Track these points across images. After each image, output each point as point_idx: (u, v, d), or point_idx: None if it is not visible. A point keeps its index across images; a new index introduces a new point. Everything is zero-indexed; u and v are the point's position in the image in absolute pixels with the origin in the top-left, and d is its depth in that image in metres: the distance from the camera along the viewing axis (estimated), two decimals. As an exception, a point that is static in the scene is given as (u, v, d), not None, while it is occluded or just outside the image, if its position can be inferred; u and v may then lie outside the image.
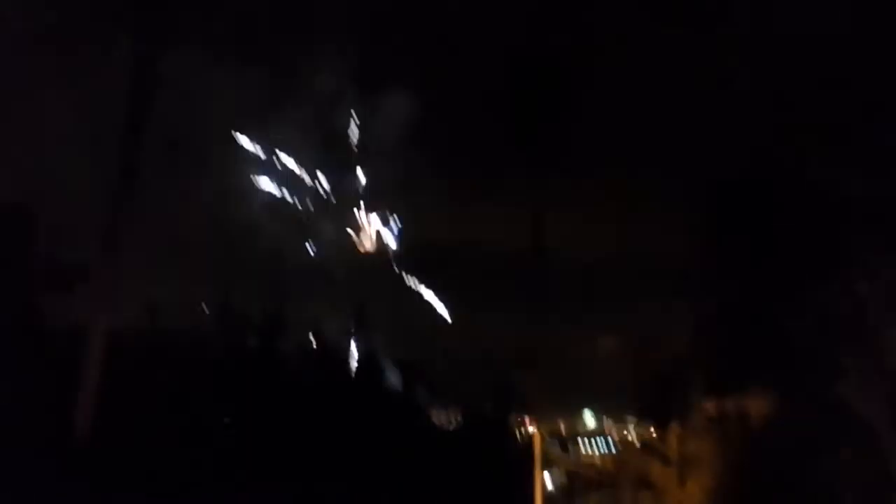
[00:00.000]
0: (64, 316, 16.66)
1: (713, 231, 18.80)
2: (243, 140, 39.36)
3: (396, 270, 41.35)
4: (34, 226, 16.95)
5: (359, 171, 44.96)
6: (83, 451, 11.13)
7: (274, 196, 44.00)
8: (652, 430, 24.69)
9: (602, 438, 43.87)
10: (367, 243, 44.08)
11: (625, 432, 38.56)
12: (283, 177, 44.34)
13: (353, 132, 44.12)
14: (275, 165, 43.11)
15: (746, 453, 17.44)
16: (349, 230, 45.26)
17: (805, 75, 18.76)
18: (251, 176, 42.27)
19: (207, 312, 21.68)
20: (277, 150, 42.66)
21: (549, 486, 28.74)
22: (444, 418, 29.51)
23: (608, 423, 47.46)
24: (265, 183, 42.93)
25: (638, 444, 25.22)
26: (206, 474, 16.24)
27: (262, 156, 41.66)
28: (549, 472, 28.00)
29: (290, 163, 43.60)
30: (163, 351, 19.18)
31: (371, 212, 46.25)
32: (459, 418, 28.90)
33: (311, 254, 43.90)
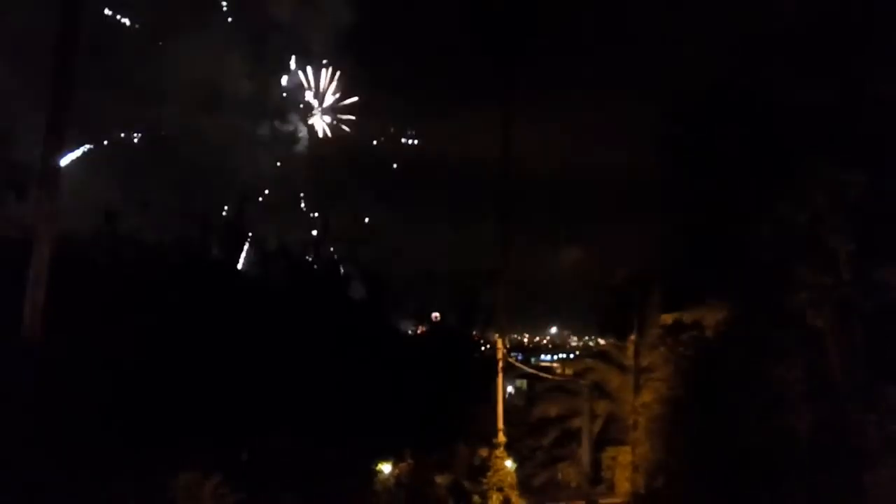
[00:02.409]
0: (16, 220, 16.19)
1: (672, 146, 18.74)
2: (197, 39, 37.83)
3: (359, 181, 40.99)
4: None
5: (323, 79, 43.77)
6: (33, 356, 11.05)
7: (237, 101, 42.82)
8: (611, 341, 25.37)
9: (563, 350, 45.25)
10: (328, 143, 43.30)
11: (584, 343, 39.74)
12: (245, 80, 43.02)
13: (316, 33, 42.54)
14: (234, 67, 41.68)
15: (700, 363, 17.99)
16: (309, 131, 44.43)
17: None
18: (216, 82, 40.98)
19: (173, 218, 21.21)
20: (226, 51, 41.12)
21: (512, 392, 29.69)
22: (409, 328, 29.99)
23: (569, 335, 48.86)
24: (228, 85, 41.69)
25: (596, 355, 25.92)
26: (168, 382, 16.32)
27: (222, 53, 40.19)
28: (511, 380, 28.86)
29: (246, 64, 42.02)
30: (123, 256, 18.90)
31: (335, 121, 45.43)
32: (424, 328, 29.42)
33: (274, 162, 43.29)
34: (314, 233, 35.63)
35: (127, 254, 20.05)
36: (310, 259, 26.60)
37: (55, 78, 11.58)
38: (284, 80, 43.01)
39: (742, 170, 16.82)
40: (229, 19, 39.33)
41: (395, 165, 40.58)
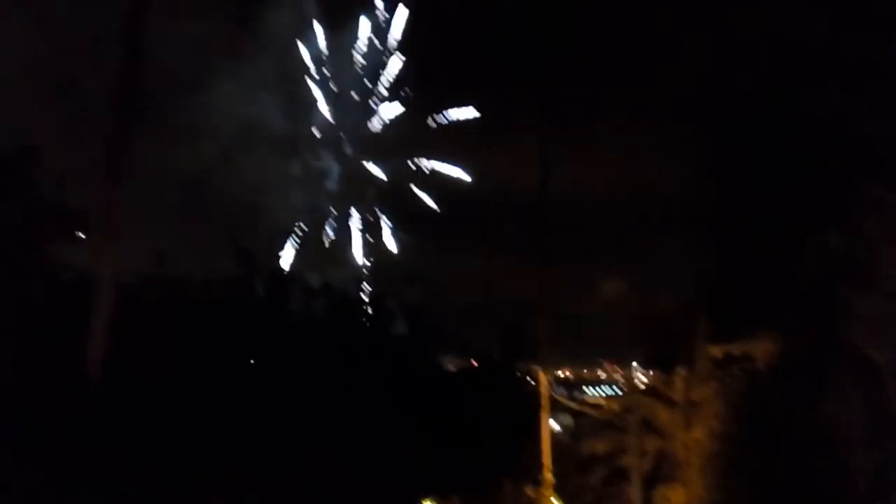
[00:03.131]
0: (70, 263, 16.73)
1: (718, 172, 18.46)
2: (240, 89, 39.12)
3: (400, 215, 41.35)
4: (38, 172, 16.85)
5: (369, 116, 44.66)
6: (95, 395, 11.37)
7: (277, 142, 43.88)
8: (658, 374, 24.77)
9: (608, 383, 44.43)
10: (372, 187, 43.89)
11: (631, 377, 38.88)
12: (279, 118, 44.08)
13: (352, 70, 43.53)
14: (274, 109, 42.83)
15: (752, 397, 17.48)
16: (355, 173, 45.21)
17: (812, 11, 18.20)
18: (250, 122, 42.23)
19: (218, 258, 21.63)
20: (271, 97, 42.35)
21: (556, 429, 29.18)
22: (452, 363, 29.82)
23: (614, 368, 47.97)
24: (266, 128, 42.86)
25: (644, 389, 25.33)
26: (218, 416, 16.52)
27: (261, 103, 41.43)
28: (556, 415, 28.37)
29: (287, 107, 43.17)
30: (174, 296, 19.33)
31: (377, 154, 46.14)
32: (468, 363, 29.20)
33: (317, 200, 44.08)
34: (355, 268, 35.95)
35: (175, 293, 20.48)
36: (352, 296, 26.78)
37: (115, 125, 12.05)
38: (320, 113, 43.89)
39: (788, 193, 16.49)
40: (263, 60, 40.51)
41: (433, 198, 40.87)
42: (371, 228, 42.59)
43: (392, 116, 42.79)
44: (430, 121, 41.29)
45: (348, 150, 43.38)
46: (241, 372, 18.29)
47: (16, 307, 14.08)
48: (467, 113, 41.04)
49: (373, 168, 42.99)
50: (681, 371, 21.44)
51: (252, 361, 19.19)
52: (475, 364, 29.92)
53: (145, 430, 14.23)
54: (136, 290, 15.90)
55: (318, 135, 43.19)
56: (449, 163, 41.28)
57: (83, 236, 16.45)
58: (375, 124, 42.87)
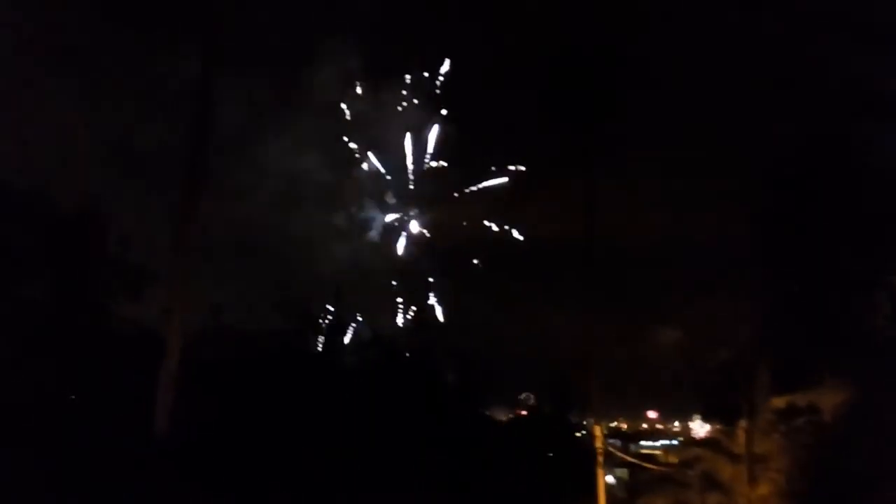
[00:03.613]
0: (135, 319, 17.27)
1: (779, 219, 18.13)
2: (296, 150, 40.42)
3: (450, 266, 41.56)
4: (105, 234, 17.59)
5: (409, 172, 45.54)
6: (165, 447, 11.63)
7: (326, 200, 44.95)
8: (717, 426, 23.97)
9: (665, 436, 43.05)
10: (421, 240, 44.39)
11: (689, 429, 37.65)
12: (335, 182, 45.22)
13: (403, 136, 44.62)
14: (326, 173, 44.05)
15: (820, 450, 16.77)
16: (403, 228, 45.85)
17: (871, 56, 18.05)
18: (305, 182, 43.44)
19: (271, 311, 22.06)
20: (326, 159, 43.65)
21: (612, 483, 28.31)
22: (503, 415, 29.45)
23: (671, 421, 46.52)
24: (317, 188, 44.04)
25: (703, 442, 24.50)
26: (277, 462, 16.63)
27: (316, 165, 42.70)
28: (611, 469, 27.57)
29: (341, 169, 44.39)
30: (230, 349, 19.71)
31: (424, 209, 46.75)
32: (518, 415, 28.82)
33: (368, 252, 44.76)
34: (405, 320, 36.08)
35: (233, 346, 20.88)
36: (402, 347, 26.89)
37: (183, 190, 12.61)
38: (363, 166, 44.85)
39: (850, 239, 16.09)
40: (310, 117, 41.75)
41: (479, 252, 41.06)
42: (418, 279, 42.89)
43: (437, 169, 43.52)
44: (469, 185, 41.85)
45: (391, 200, 44.07)
46: (296, 421, 18.44)
47: (84, 364, 14.56)
48: (511, 169, 41.45)
49: (416, 220, 43.58)
50: (742, 423, 20.73)
51: (307, 412, 19.35)
52: (524, 414, 29.49)
53: (211, 477, 14.41)
54: (197, 345, 16.29)
55: (363, 186, 44.14)
56: (495, 215, 41.57)
57: (146, 294, 17.01)
58: (419, 176, 43.62)
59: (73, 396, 16.74)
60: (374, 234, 43.65)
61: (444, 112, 42.62)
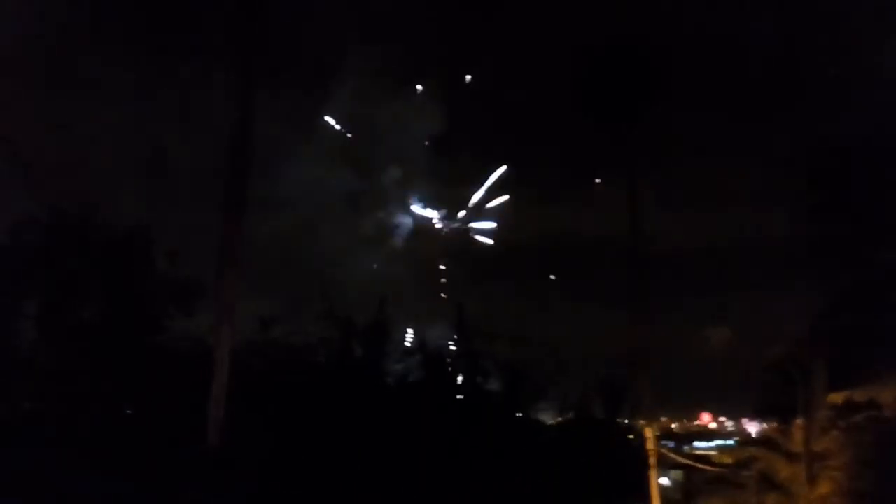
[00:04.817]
0: (186, 334, 17.70)
1: (833, 212, 17.63)
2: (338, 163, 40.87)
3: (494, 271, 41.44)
4: (154, 249, 18.10)
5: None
6: (216, 459, 11.92)
7: (369, 210, 45.31)
8: (773, 425, 23.35)
9: (719, 436, 42.14)
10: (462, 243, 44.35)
11: (744, 429, 36.76)
12: (377, 192, 45.56)
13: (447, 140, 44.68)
14: (369, 181, 44.39)
15: (881, 446, 16.23)
16: (444, 231, 45.91)
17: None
18: (347, 194, 43.84)
19: (315, 322, 22.27)
20: (369, 169, 44.03)
21: (666, 485, 27.79)
22: (552, 419, 29.15)
23: (724, 419, 45.53)
24: (360, 200, 44.37)
25: (759, 441, 23.89)
26: (326, 475, 16.83)
27: (358, 176, 43.12)
28: (664, 471, 27.07)
29: (384, 176, 44.71)
30: (277, 361, 20.00)
31: (468, 215, 46.75)
32: (568, 419, 28.49)
33: (406, 259, 44.97)
34: (448, 326, 36.07)
35: (278, 357, 21.17)
36: (446, 354, 26.86)
37: (227, 204, 12.93)
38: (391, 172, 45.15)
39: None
40: (332, 129, 42.26)
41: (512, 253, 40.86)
42: (462, 283, 42.88)
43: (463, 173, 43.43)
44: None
45: (416, 205, 44.20)
46: (344, 431, 18.61)
47: (139, 380, 15.01)
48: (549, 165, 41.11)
49: (450, 224, 43.56)
50: (799, 421, 20.16)
51: (354, 420, 19.54)
52: (573, 418, 29.16)
53: (264, 488, 14.68)
54: (245, 358, 16.62)
55: (390, 191, 44.37)
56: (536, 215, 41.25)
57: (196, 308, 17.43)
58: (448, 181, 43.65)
59: (129, 411, 17.27)
60: (399, 239, 43.83)
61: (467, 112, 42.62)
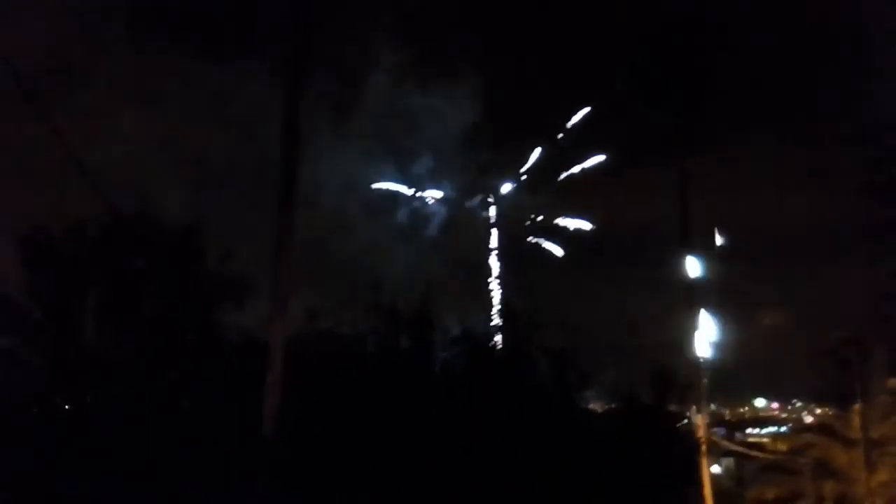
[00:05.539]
0: (239, 328, 18.13)
1: (881, 190, 17.10)
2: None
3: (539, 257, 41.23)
4: (205, 245, 18.53)
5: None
6: (273, 451, 12.23)
7: (413, 198, 45.42)
8: (828, 411, 22.83)
9: (773, 423, 41.24)
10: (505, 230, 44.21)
11: (799, 415, 35.90)
12: (421, 180, 45.63)
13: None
14: (413, 171, 44.51)
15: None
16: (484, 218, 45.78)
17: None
18: (392, 184, 44.03)
19: (363, 314, 22.45)
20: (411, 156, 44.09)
21: (718, 473, 27.39)
22: (601, 407, 28.93)
23: (778, 406, 44.57)
24: (405, 188, 44.50)
25: (815, 428, 23.36)
26: (377, 463, 17.05)
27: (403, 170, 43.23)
28: (717, 459, 26.68)
29: (426, 167, 44.80)
30: (327, 352, 20.29)
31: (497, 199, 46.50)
32: (616, 407, 28.23)
33: (453, 248, 44.96)
34: (495, 315, 35.96)
35: (327, 348, 21.45)
36: (493, 343, 26.83)
37: (280, 200, 13.25)
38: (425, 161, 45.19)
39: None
40: (364, 116, 42.42)
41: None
42: (508, 271, 42.75)
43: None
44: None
45: (449, 192, 44.05)
46: (395, 419, 18.79)
47: (194, 371, 15.42)
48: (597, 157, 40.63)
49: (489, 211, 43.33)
50: (857, 406, 19.68)
51: (404, 410, 19.68)
52: (622, 406, 28.84)
53: (319, 479, 14.95)
54: (296, 350, 16.94)
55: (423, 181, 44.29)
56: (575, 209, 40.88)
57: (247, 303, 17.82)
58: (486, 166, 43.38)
59: (186, 404, 17.74)
60: (433, 229, 43.83)
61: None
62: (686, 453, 21.85)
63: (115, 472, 13.68)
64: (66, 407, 18.41)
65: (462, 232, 45.21)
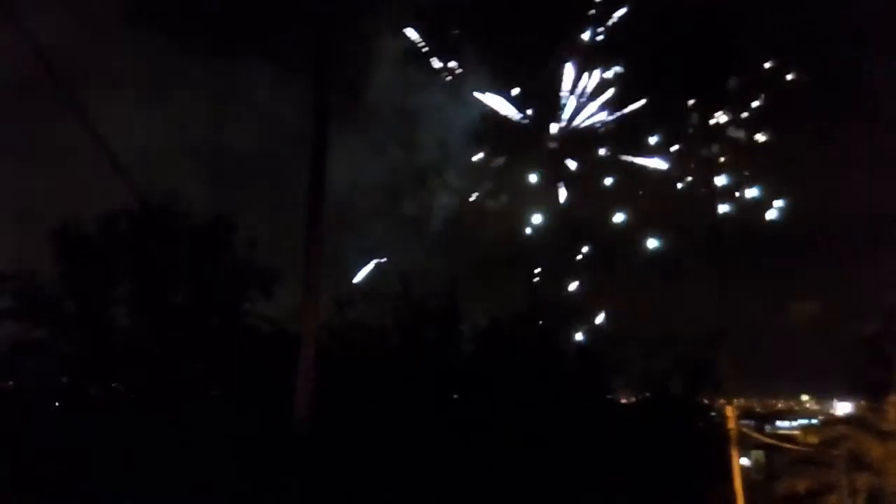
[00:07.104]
0: (268, 316, 18.26)
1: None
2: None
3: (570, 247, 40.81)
4: (236, 236, 18.68)
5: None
6: (306, 440, 12.32)
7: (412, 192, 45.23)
8: (863, 403, 22.37)
9: (804, 415, 40.68)
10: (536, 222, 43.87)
11: (830, 407, 35.36)
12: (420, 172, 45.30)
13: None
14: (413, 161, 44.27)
15: None
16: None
17: None
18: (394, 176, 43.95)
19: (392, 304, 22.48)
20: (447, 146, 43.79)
21: (748, 465, 27.04)
22: (630, 397, 28.68)
23: (809, 398, 43.89)
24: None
25: (848, 420, 22.94)
26: (407, 452, 17.12)
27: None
28: (747, 451, 26.34)
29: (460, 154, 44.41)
30: (355, 341, 20.39)
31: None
32: (646, 397, 27.99)
33: (485, 239, 44.78)
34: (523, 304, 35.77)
35: (356, 338, 21.52)
36: (521, 334, 26.72)
37: (310, 191, 13.34)
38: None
39: None
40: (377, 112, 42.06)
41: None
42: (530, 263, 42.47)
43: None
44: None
45: (455, 181, 43.60)
46: (423, 409, 18.82)
47: (224, 360, 15.57)
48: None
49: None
50: (891, 398, 19.30)
51: (432, 400, 19.71)
52: (652, 397, 28.60)
53: (351, 473, 15.03)
54: (326, 340, 17.04)
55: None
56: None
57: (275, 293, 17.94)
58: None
59: (216, 392, 17.94)
60: (437, 222, 43.41)
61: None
62: (716, 445, 21.53)
63: (145, 460, 13.87)
64: (98, 395, 18.72)
65: (493, 222, 44.82)
